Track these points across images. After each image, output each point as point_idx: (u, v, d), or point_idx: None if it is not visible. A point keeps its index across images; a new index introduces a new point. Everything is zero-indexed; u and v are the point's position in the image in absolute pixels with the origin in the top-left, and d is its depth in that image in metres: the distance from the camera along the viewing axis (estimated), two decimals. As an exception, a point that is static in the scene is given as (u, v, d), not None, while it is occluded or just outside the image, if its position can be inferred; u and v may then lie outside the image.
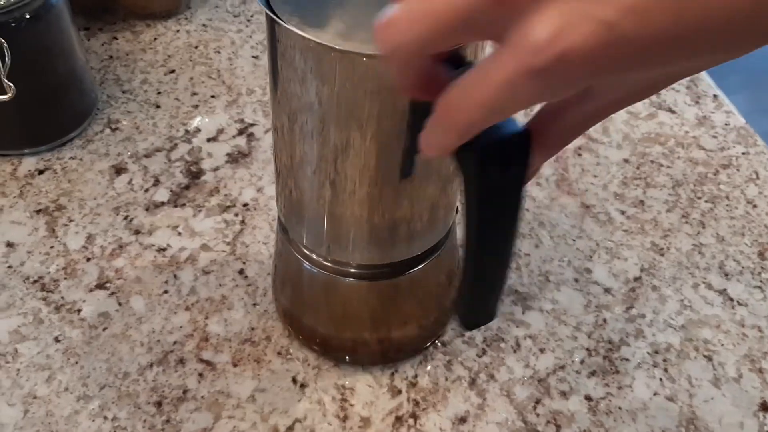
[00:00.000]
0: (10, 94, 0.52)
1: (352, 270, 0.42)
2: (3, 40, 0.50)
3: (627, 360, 0.47)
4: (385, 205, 0.38)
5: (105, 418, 0.44)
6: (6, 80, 0.51)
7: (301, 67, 0.33)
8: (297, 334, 0.47)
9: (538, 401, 0.45)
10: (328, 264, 0.42)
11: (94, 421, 0.44)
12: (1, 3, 0.50)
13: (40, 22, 0.54)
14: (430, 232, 0.42)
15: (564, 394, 0.45)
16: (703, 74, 0.66)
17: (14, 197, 0.55)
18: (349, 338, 0.46)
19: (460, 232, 0.51)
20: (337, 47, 0.29)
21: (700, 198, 0.56)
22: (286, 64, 0.33)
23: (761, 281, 0.51)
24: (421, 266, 0.43)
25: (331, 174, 0.37)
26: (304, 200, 0.40)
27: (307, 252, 0.43)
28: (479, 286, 0.32)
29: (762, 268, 0.52)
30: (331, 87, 0.32)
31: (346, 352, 0.46)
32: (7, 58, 0.51)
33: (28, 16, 0.53)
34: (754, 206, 0.56)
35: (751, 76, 2.06)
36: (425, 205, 0.40)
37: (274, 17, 0.30)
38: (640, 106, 0.63)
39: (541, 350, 0.47)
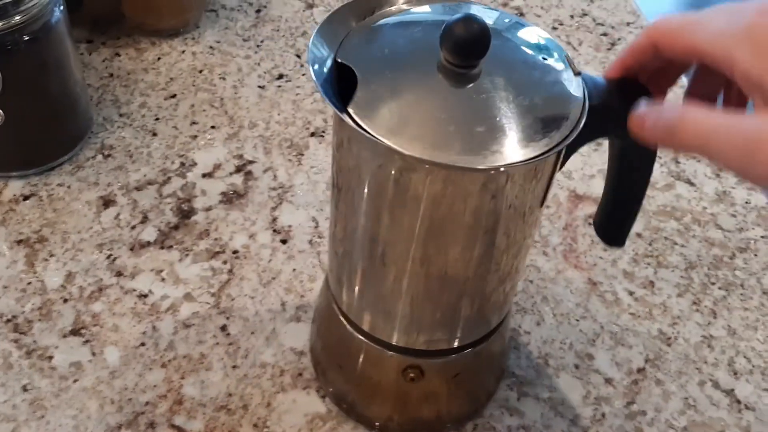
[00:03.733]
0: (-2, 121, 0.49)
1: (393, 345, 0.40)
2: (-6, 64, 0.48)
3: (623, 462, 0.44)
4: (433, 297, 0.37)
5: (64, 484, 0.41)
6: (-6, 106, 0.48)
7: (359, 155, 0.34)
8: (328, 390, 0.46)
9: (525, 501, 0.42)
10: (368, 333, 0.41)
11: (52, 486, 0.41)
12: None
13: (37, 43, 0.51)
14: (474, 328, 0.40)
15: (553, 495, 0.43)
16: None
17: (-5, 224, 0.53)
18: (375, 411, 0.44)
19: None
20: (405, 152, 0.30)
21: (713, 284, 0.53)
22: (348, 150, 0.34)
23: (771, 383, 0.48)
24: (455, 355, 0.41)
25: (376, 253, 0.36)
26: (350, 269, 0.39)
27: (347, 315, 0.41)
28: (615, 213, 0.42)
29: (773, 368, 0.49)
30: (388, 178, 0.33)
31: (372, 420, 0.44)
32: (-3, 83, 0.48)
33: (26, 38, 0.50)
34: (770, 297, 0.53)
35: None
36: (476, 303, 0.38)
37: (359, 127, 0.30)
38: (658, 175, 0.60)
39: (533, 445, 0.45)
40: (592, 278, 0.53)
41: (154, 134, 0.59)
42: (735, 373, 0.49)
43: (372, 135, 0.30)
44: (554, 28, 0.72)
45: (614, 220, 0.42)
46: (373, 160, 0.33)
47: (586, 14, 0.74)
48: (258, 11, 0.71)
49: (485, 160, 0.29)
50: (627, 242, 0.55)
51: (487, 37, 0.30)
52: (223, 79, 0.64)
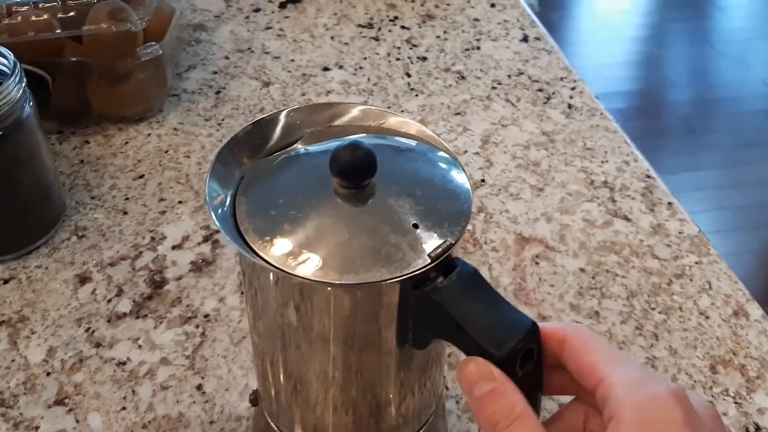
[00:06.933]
0: (-25, 211, 0.53)
1: None
2: (-29, 159, 0.52)
3: (579, 480, 0.47)
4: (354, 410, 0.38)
5: None
6: (-28, 198, 0.52)
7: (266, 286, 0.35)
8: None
9: None
10: None
11: None
12: (-29, 124, 0.52)
13: (9, 138, 0.55)
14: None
15: None
16: (659, 181, 0.68)
17: (-23, 308, 0.56)
18: None
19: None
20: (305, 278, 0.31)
21: (654, 309, 0.57)
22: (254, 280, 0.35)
23: (713, 395, 0.52)
24: None
25: (293, 377, 0.38)
26: (276, 389, 0.40)
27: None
28: None
29: (714, 382, 0.53)
30: (300, 308, 0.34)
31: None
32: (-26, 176, 0.52)
33: (-1, 133, 0.54)
34: (707, 317, 0.57)
35: (726, 153, 2.11)
36: (394, 411, 0.39)
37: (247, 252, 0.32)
38: (596, 214, 0.65)
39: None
40: (542, 313, 0.57)
41: (125, 213, 0.63)
42: (678, 389, 0.52)
43: (278, 267, 0.31)
44: (494, 88, 0.78)
45: None
46: (282, 295, 0.34)
47: (522, 73, 0.80)
48: (218, 92, 0.76)
49: (392, 272, 0.31)
50: (572, 277, 0.60)
51: (372, 159, 0.32)
52: (188, 157, 0.69)
